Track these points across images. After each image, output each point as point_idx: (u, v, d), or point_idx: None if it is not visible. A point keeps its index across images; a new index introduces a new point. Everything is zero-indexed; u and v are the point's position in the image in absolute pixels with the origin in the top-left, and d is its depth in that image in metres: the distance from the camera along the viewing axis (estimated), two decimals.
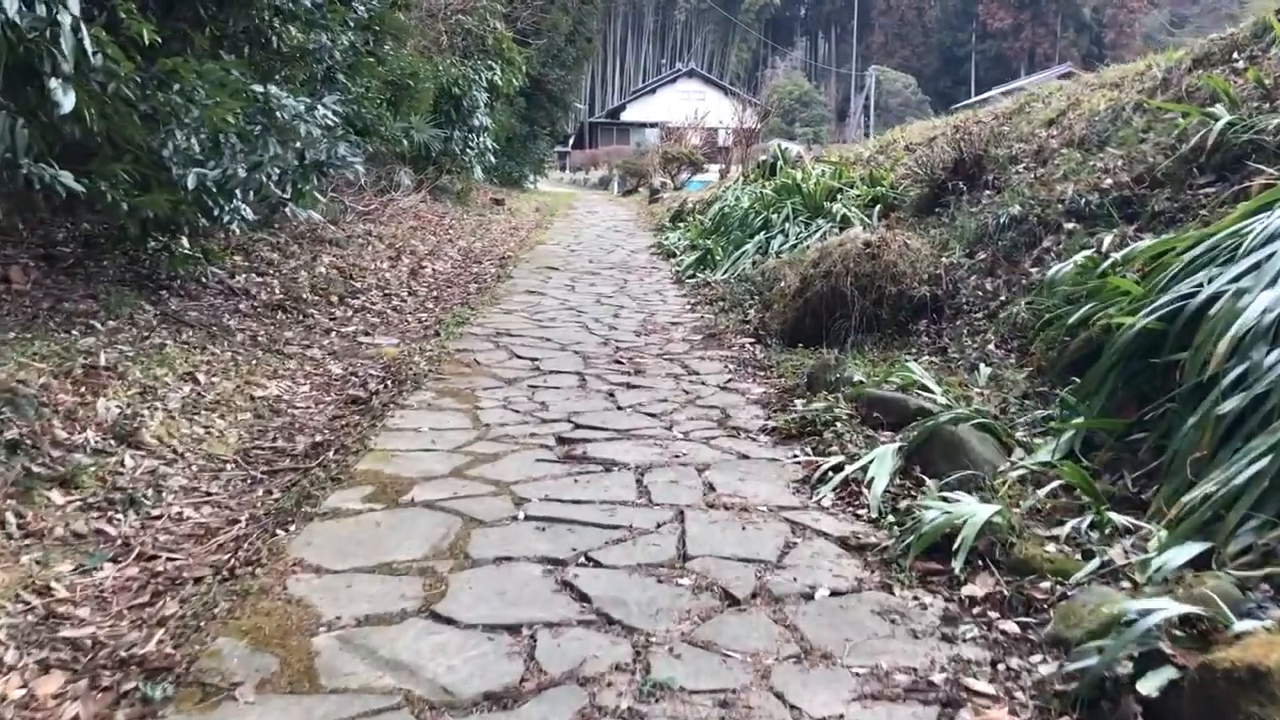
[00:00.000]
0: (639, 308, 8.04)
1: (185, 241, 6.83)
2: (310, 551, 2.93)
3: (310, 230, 9.86)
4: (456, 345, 6.18)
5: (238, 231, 6.48)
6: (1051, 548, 2.75)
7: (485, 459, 3.86)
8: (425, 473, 3.66)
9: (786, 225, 9.28)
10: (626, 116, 56.96)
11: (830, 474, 3.58)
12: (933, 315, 5.55)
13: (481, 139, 18.87)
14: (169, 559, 3.00)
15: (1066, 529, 2.82)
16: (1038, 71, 71.04)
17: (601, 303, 8.30)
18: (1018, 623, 2.49)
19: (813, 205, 9.52)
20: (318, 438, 4.35)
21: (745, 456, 3.94)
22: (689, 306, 8.07)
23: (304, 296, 7.22)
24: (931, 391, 4.17)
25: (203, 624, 2.49)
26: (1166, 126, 5.61)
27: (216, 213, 5.97)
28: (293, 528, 3.14)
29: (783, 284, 6.79)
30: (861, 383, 4.49)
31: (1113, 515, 2.84)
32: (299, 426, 4.56)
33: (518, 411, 4.62)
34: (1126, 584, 2.51)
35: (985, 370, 4.42)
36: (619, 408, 4.74)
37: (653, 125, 44.57)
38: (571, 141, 52.63)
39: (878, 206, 8.60)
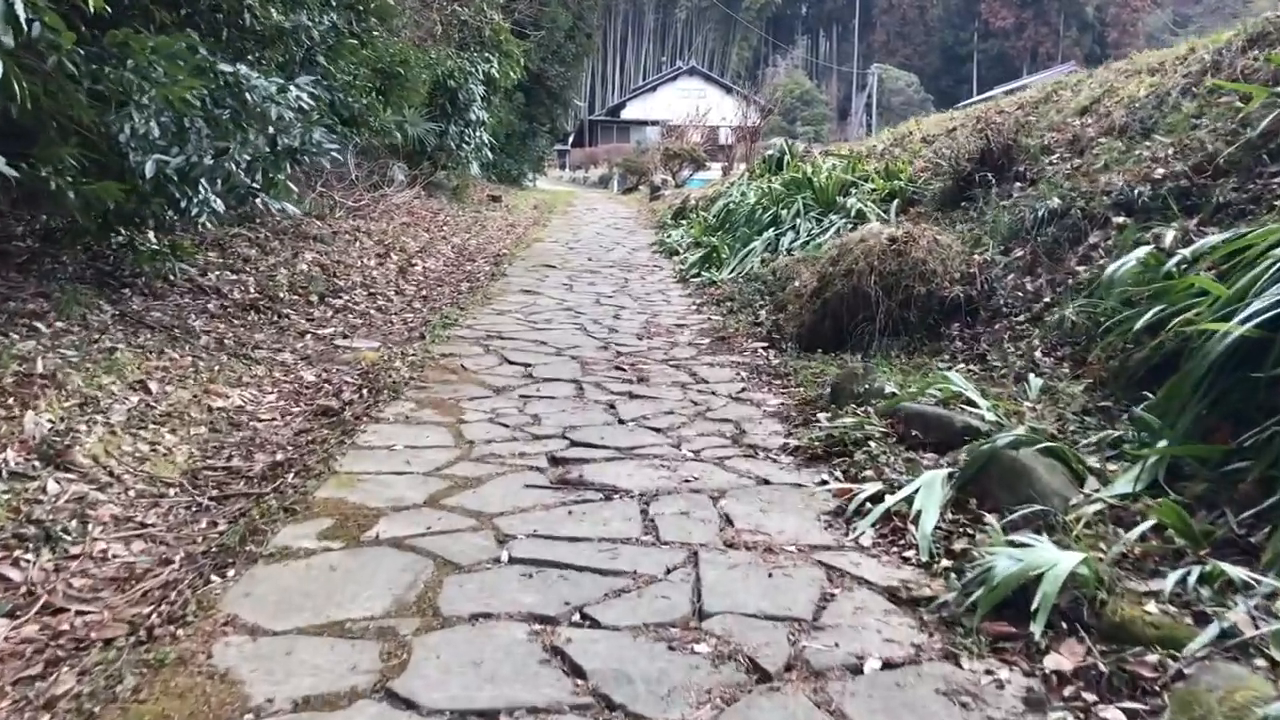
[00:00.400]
0: (641, 308, 7.53)
1: (151, 236, 6.33)
2: (247, 605, 2.41)
3: (294, 225, 9.36)
4: (442, 349, 5.66)
5: (208, 225, 5.97)
6: (1153, 608, 2.23)
7: (466, 484, 3.34)
8: (395, 501, 3.14)
9: (797, 221, 8.77)
10: (627, 114, 56.51)
11: (868, 505, 3.06)
12: (967, 318, 5.03)
13: (478, 134, 18.42)
14: (79, 613, 2.49)
15: (1169, 583, 2.30)
16: (1040, 71, 70.60)
17: (601, 303, 7.79)
18: (1123, 710, 1.98)
19: (825, 200, 9.00)
20: (278, 456, 3.83)
21: (766, 481, 3.43)
22: (695, 307, 7.56)
23: (280, 296, 6.71)
24: (977, 406, 3.65)
25: (99, 708, 1.98)
26: (1223, 111, 5.10)
27: (184, 204, 5.48)
28: (232, 572, 2.63)
29: (797, 283, 6.28)
30: (894, 395, 3.98)
31: (1224, 566, 2.32)
32: (259, 442, 4.04)
33: (506, 426, 4.10)
34: (1261, 661, 2.00)
35: (1036, 382, 3.91)
36: (620, 421, 4.23)
37: (653, 123, 44.16)
38: (571, 140, 52.14)
39: (896, 201, 8.09)
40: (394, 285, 8.37)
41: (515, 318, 6.94)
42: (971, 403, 3.69)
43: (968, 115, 9.69)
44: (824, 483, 3.36)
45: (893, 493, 3.08)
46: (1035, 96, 8.62)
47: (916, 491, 2.99)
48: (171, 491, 3.43)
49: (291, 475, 3.51)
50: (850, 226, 8.08)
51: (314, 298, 7.01)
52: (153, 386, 4.34)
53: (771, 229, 8.98)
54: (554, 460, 3.65)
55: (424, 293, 8.24)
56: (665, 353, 5.76)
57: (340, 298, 7.31)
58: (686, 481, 3.40)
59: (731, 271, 8.62)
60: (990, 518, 2.81)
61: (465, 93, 17.52)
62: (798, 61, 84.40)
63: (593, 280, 9.23)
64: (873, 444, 3.56)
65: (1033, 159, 6.53)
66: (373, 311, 7.05)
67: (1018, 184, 6.38)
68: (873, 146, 11.23)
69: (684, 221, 14.22)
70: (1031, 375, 3.99)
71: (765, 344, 5.78)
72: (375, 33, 10.75)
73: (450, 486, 3.31)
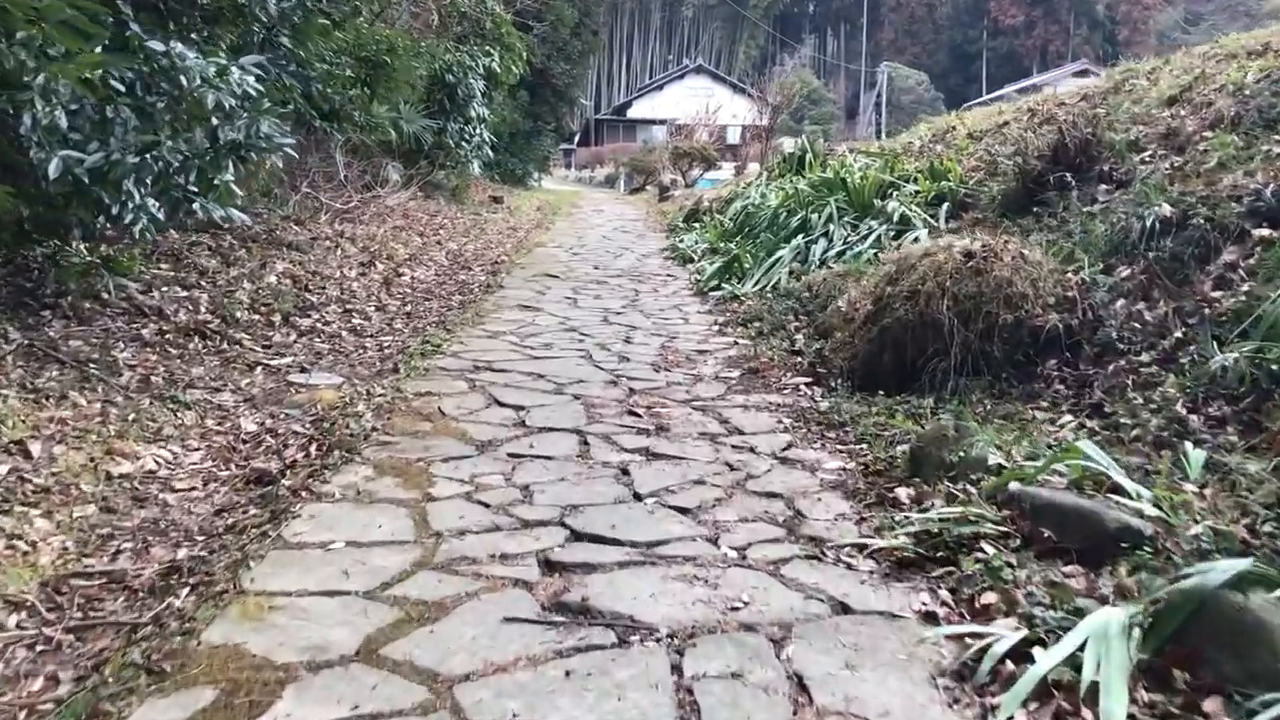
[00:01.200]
0: (655, 328, 6.55)
1: (83, 247, 5.41)
2: None
3: (267, 232, 8.43)
4: (419, 386, 4.69)
5: (148, 235, 4.99)
6: None
7: (422, 614, 2.36)
8: (315, 650, 2.17)
9: (830, 227, 7.77)
10: (633, 113, 55.73)
11: (1007, 663, 2.08)
12: (1067, 354, 4.05)
13: (479, 131, 17.55)
14: None
15: None
16: (1051, 69, 69.55)
17: (609, 321, 6.81)
18: None
19: (861, 203, 8.01)
20: (181, 552, 2.86)
21: (844, 608, 2.44)
22: (717, 327, 6.57)
23: (237, 316, 5.75)
24: (1127, 493, 2.67)
25: None
26: None
27: (115, 210, 4.55)
28: None
29: (842, 304, 5.30)
30: (1003, 469, 3.00)
31: None
32: (163, 528, 3.07)
33: (487, 505, 3.12)
34: None
35: (1195, 455, 2.91)
36: (637, 496, 3.25)
37: (660, 122, 43.45)
38: (577, 139, 51.33)
39: (945, 205, 7.09)
40: (375, 299, 7.41)
41: (510, 341, 5.96)
42: (1119, 488, 2.70)
43: (1019, 109, 8.68)
44: (930, 616, 2.37)
45: (1042, 643, 2.09)
46: (1101, 86, 7.63)
47: (1083, 647, 2.01)
48: (14, 620, 2.46)
49: (187, 591, 2.54)
50: (893, 234, 7.11)
51: (277, 317, 6.05)
52: (35, 448, 3.38)
53: (800, 236, 7.99)
54: (548, 565, 2.67)
55: (408, 308, 7.28)
56: (687, 390, 4.77)
57: (309, 316, 6.34)
58: (734, 608, 2.41)
59: (756, 284, 7.63)
60: (1213, 706, 1.83)
61: (465, 88, 16.67)
62: (805, 60, 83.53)
63: (599, 293, 8.26)
64: (987, 547, 2.58)
65: (1118, 156, 5.54)
66: (344, 333, 6.07)
67: (1102, 186, 5.38)
68: (908, 143, 10.22)
69: (697, 225, 13.24)
70: (1188, 445, 3.00)
71: (808, 379, 4.79)
72: (360, 17, 9.82)
73: (399, 620, 2.33)
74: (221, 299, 6.01)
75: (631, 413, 4.30)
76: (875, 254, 6.93)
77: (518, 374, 5.02)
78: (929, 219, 7.02)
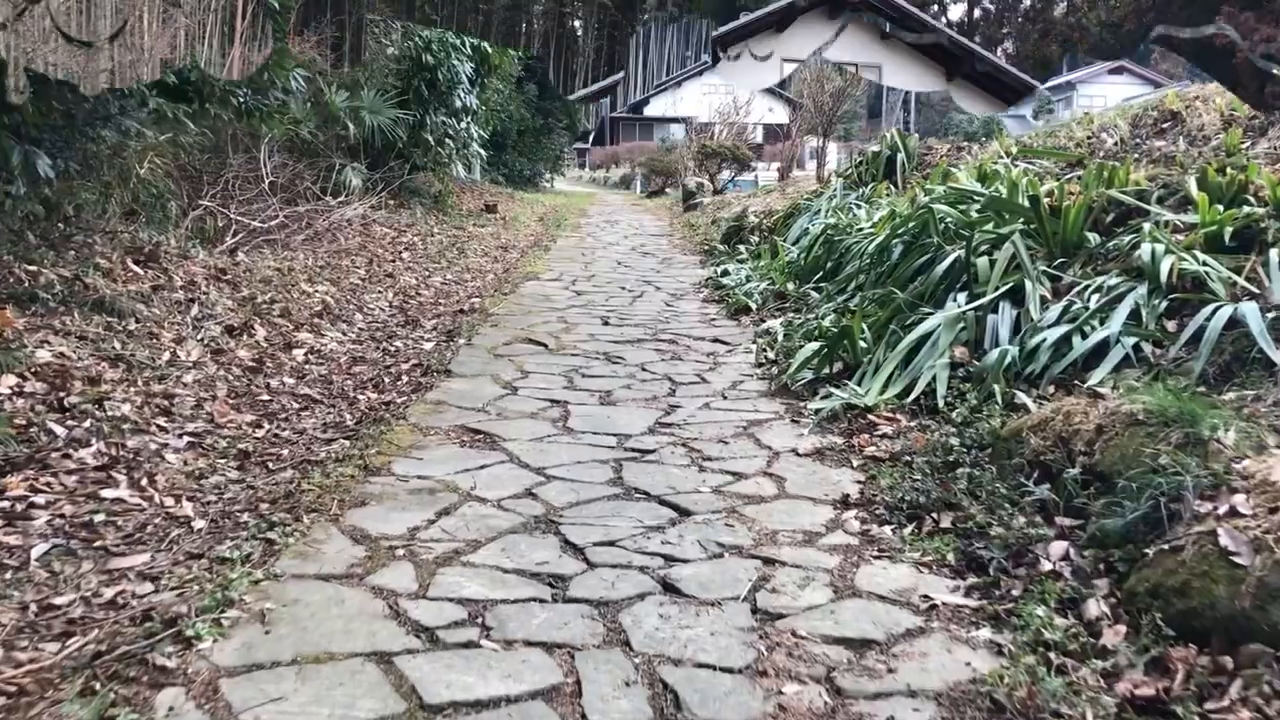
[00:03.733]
0: (721, 518, 3.15)
1: None
2: None
3: (67, 281, 5.19)
4: None
5: None
6: None
7: None
8: None
9: (1022, 283, 4.37)
10: (650, 111, 52.72)
11: None
12: None
13: (465, 126, 14.31)
14: None
15: None
16: (1082, 67, 65.70)
17: (623, 485, 3.43)
18: None
19: (1063, 239, 4.61)
20: None
21: None
22: (855, 518, 3.14)
23: None
24: None
25: None
26: None
27: None
28: None
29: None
30: None
31: None
32: None
33: None
34: None
35: None
36: None
37: (678, 120, 40.60)
38: (592, 138, 48.38)
39: (1273, 253, 3.68)
40: (205, 416, 4.08)
41: (388, 602, 2.58)
42: None
43: None
44: None
45: None
46: None
47: None
48: None
49: None
50: (1163, 306, 3.72)
51: None
52: None
53: (962, 295, 4.59)
54: None
55: (259, 435, 3.94)
56: None
57: (6, 492, 3.01)
58: None
59: (886, 386, 4.24)
60: None
61: (448, 71, 13.46)
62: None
63: (609, 385, 4.91)
64: None
65: None
66: (37, 566, 2.72)
67: None
68: (1090, 138, 6.71)
69: (743, 248, 9.89)
70: None
71: None
72: None
73: None
74: None
75: None
76: (1137, 346, 3.57)
77: None
78: (1237, 279, 3.62)
